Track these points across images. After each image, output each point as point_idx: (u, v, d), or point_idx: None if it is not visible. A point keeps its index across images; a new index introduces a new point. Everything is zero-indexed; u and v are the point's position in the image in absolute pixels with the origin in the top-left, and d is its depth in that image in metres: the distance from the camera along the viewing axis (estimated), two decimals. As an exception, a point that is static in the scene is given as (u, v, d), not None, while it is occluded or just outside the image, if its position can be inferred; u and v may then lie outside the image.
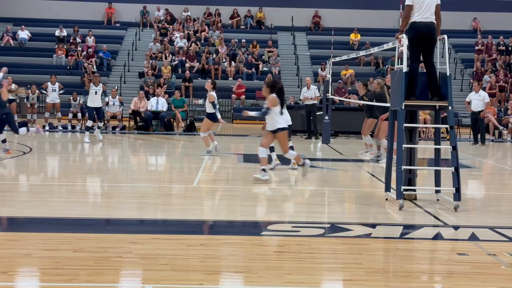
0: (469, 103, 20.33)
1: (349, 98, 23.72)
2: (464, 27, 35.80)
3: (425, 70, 9.33)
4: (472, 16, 36.09)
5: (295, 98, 27.22)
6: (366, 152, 15.93)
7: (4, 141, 14.67)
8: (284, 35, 35.26)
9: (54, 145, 18.51)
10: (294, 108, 23.20)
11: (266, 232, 7.15)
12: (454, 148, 8.78)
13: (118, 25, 35.73)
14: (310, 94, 20.99)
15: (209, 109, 15.08)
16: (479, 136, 20.21)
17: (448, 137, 9.09)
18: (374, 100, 14.45)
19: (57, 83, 23.01)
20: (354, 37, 33.67)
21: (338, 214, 8.61)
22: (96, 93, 18.41)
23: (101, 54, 31.66)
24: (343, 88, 27.50)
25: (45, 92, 22.86)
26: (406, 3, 9.15)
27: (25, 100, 23.10)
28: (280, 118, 11.22)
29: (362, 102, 15.12)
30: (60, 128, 22.77)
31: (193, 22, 35.11)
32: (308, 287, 5.31)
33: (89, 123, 18.58)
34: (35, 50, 32.51)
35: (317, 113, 20.74)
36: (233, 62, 31.59)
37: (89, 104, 18.49)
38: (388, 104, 13.58)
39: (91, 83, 18.62)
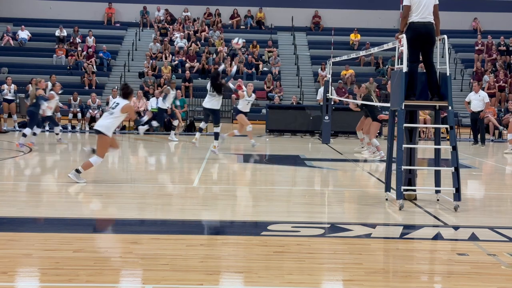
0: (468, 103, 20.33)
1: (349, 98, 23.72)
2: (464, 27, 35.79)
3: (425, 70, 9.34)
4: (472, 16, 36.09)
5: (297, 98, 27.22)
6: (362, 147, 16.34)
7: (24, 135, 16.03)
8: (284, 35, 35.25)
9: (54, 145, 18.50)
10: (304, 109, 23.20)
11: (266, 232, 7.15)
12: (454, 148, 8.79)
13: (118, 25, 35.73)
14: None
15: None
16: (479, 136, 20.21)
17: (448, 137, 9.10)
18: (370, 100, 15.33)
19: (57, 83, 22.95)
20: (354, 37, 33.67)
21: (338, 214, 8.61)
22: (174, 96, 21.47)
23: (101, 54, 31.66)
24: (343, 88, 27.51)
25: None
26: (404, 3, 9.17)
27: (25, 99, 23.01)
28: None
29: (360, 102, 15.23)
30: (60, 128, 22.68)
31: (193, 22, 35.11)
32: (308, 287, 5.31)
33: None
34: (35, 50, 32.50)
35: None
36: (233, 62, 31.58)
37: (164, 106, 20.68)
38: (377, 104, 14.67)
39: (169, 87, 20.57)
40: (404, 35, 9.14)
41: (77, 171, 10.60)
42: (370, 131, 15.42)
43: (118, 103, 10.81)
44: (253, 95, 16.93)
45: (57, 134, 17.75)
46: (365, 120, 15.82)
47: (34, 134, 16.30)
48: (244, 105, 16.72)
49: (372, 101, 15.02)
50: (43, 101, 16.37)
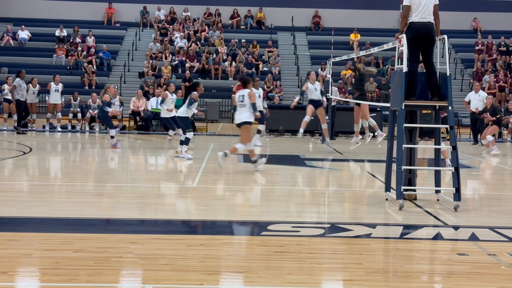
0: (468, 103, 20.33)
1: (349, 98, 23.71)
2: (464, 27, 35.80)
3: (425, 70, 9.34)
4: (472, 16, 36.10)
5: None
6: (357, 143, 16.42)
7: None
8: (284, 35, 35.26)
9: (54, 145, 18.51)
10: (304, 109, 23.14)
11: (266, 232, 7.15)
12: (454, 148, 8.79)
13: (118, 25, 35.74)
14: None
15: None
16: (479, 136, 20.21)
17: (448, 137, 9.10)
18: (357, 79, 16.10)
19: (60, 84, 22.87)
20: (354, 37, 33.68)
21: (338, 214, 8.61)
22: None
23: (101, 54, 31.66)
24: (343, 88, 27.49)
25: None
26: (404, 3, 9.16)
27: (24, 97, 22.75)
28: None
29: (360, 101, 15.25)
30: (59, 129, 22.64)
31: (193, 22, 35.12)
32: (308, 287, 5.31)
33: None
34: (35, 50, 32.50)
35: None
36: (233, 62, 31.60)
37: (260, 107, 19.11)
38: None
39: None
40: (404, 35, 9.15)
41: (255, 161, 12.37)
42: (364, 114, 15.73)
43: (243, 95, 12.28)
44: (317, 83, 16.40)
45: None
46: (358, 108, 16.02)
47: (112, 137, 16.37)
48: (312, 91, 16.16)
49: (364, 81, 15.64)
50: (107, 106, 16.61)
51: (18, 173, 12.33)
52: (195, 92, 14.30)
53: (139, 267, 5.69)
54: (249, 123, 12.35)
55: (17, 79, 21.11)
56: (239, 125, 12.39)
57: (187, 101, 14.30)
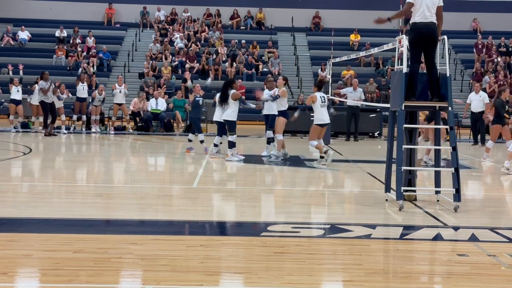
0: (469, 104, 20.31)
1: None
2: (464, 27, 35.79)
3: (425, 71, 9.34)
4: (472, 17, 36.09)
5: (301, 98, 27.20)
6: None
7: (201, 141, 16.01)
8: (284, 35, 35.25)
9: (53, 145, 18.51)
10: (305, 109, 23.04)
11: (266, 232, 7.15)
12: (454, 148, 8.79)
13: (118, 25, 35.73)
14: (356, 95, 20.85)
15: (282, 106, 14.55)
16: (479, 136, 20.20)
17: (448, 138, 9.10)
18: None
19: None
20: (354, 38, 33.67)
21: (338, 215, 8.61)
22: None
23: (101, 55, 31.64)
24: (343, 88, 27.46)
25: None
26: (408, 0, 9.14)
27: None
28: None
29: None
30: (64, 131, 22.52)
31: (193, 23, 35.12)
32: (308, 288, 5.31)
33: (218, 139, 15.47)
34: (35, 51, 32.50)
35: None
36: (233, 63, 31.58)
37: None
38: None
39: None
40: (404, 36, 9.15)
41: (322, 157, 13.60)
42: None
43: (324, 96, 13.69)
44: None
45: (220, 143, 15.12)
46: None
47: (190, 141, 15.75)
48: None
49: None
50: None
51: (18, 173, 12.32)
52: (234, 91, 14.15)
53: (139, 267, 5.69)
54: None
55: (41, 81, 20.57)
56: (326, 125, 13.87)
57: (231, 102, 14.02)
